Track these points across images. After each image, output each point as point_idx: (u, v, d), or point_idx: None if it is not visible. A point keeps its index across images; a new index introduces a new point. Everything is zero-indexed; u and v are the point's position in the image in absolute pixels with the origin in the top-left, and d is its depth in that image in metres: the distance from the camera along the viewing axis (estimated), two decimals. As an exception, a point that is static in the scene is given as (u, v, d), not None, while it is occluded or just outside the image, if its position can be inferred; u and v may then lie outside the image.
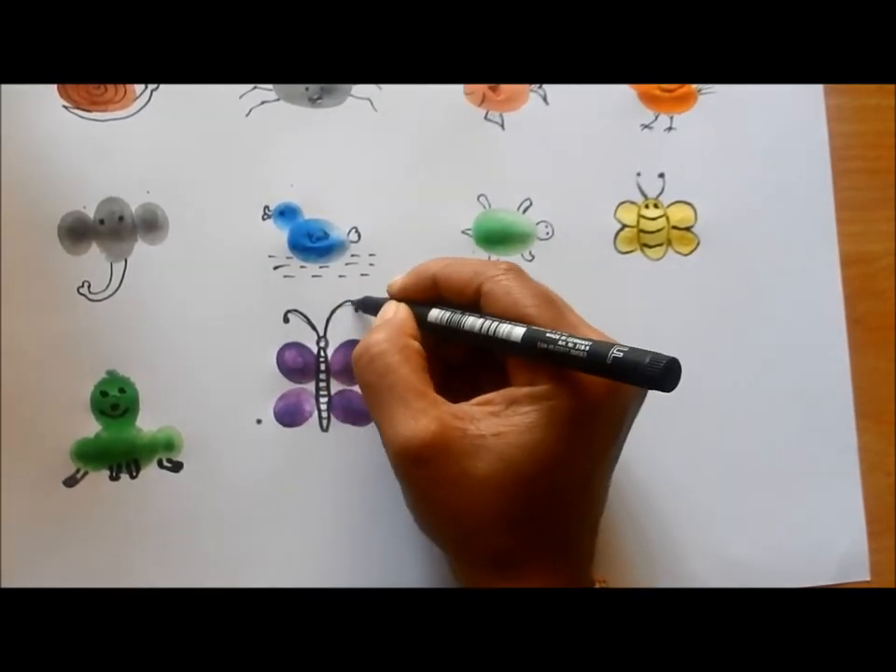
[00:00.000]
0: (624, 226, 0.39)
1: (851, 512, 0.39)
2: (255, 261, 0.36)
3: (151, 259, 0.36)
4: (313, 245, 0.37)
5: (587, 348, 0.27)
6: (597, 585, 0.32)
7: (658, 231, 0.39)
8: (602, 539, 0.34)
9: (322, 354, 0.37)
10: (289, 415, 0.36)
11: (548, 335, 0.28)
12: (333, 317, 0.37)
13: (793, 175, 0.40)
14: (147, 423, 0.35)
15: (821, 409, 0.40)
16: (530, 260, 0.38)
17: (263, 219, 0.37)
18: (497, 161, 0.38)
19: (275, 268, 0.36)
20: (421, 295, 0.34)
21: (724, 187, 0.40)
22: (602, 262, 0.39)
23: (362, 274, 0.37)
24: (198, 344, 0.36)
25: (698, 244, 0.39)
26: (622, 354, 0.26)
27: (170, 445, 0.35)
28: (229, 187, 0.36)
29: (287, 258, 0.37)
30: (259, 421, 0.36)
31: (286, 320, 0.36)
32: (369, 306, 0.36)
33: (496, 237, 0.38)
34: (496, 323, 0.30)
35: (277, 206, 0.37)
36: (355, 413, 0.36)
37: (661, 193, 0.39)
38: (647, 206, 0.39)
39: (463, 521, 0.30)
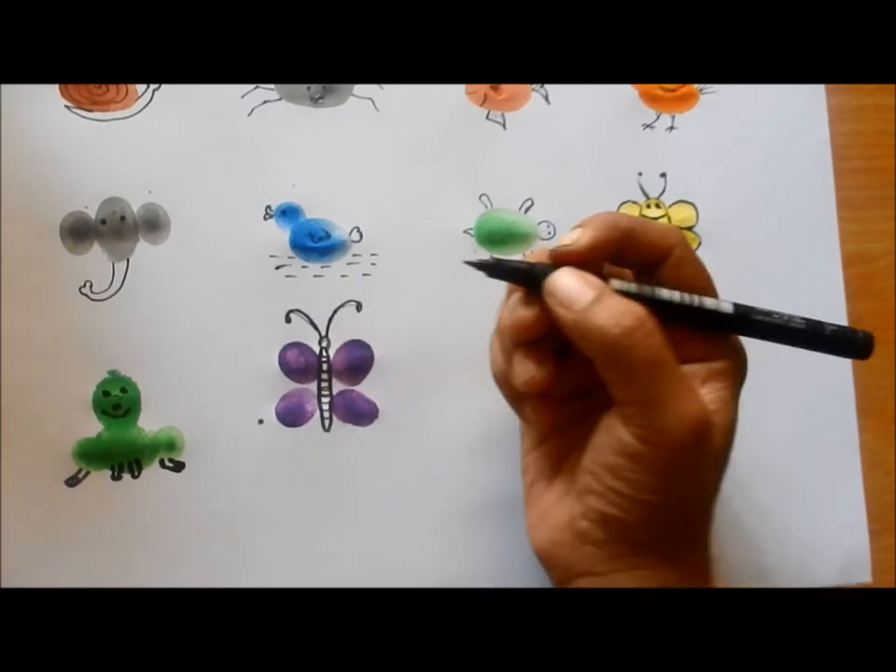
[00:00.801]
0: (626, 226, 0.39)
1: (853, 513, 0.39)
2: (257, 261, 0.36)
3: (153, 259, 0.36)
4: (314, 244, 0.37)
5: (804, 323, 0.30)
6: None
7: (660, 230, 0.39)
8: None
9: (324, 354, 0.37)
10: (291, 415, 0.36)
11: (760, 309, 0.30)
12: (335, 317, 0.37)
13: (795, 174, 0.40)
14: (148, 423, 0.35)
15: (823, 407, 0.40)
16: (532, 260, 0.38)
17: (265, 219, 0.37)
18: (498, 161, 0.38)
19: (277, 268, 0.36)
20: (609, 251, 0.29)
21: (726, 186, 0.40)
22: (604, 262, 0.39)
23: (364, 274, 0.37)
24: (200, 344, 0.36)
25: (700, 243, 0.39)
26: (836, 328, 0.30)
27: (172, 445, 0.35)
28: (230, 186, 0.36)
29: (289, 257, 0.37)
30: (260, 421, 0.36)
31: (287, 320, 0.36)
32: (507, 272, 0.30)
33: (497, 237, 0.38)
34: (699, 297, 0.30)
35: (279, 206, 0.37)
36: (357, 414, 0.36)
37: (662, 193, 0.39)
38: (648, 206, 0.39)
39: (707, 497, 0.30)
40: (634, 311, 0.28)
